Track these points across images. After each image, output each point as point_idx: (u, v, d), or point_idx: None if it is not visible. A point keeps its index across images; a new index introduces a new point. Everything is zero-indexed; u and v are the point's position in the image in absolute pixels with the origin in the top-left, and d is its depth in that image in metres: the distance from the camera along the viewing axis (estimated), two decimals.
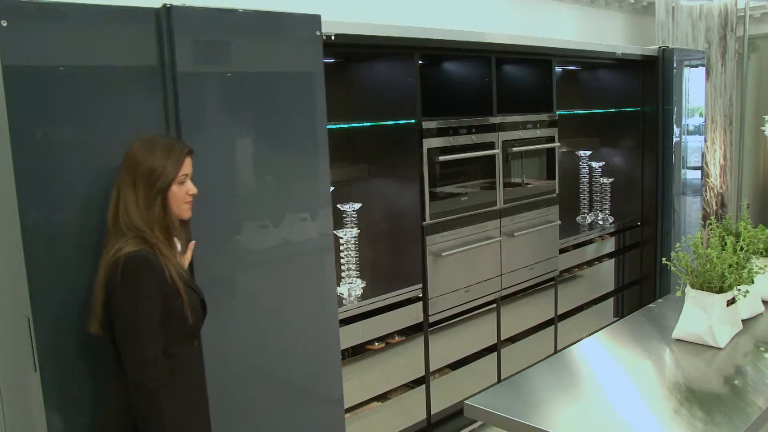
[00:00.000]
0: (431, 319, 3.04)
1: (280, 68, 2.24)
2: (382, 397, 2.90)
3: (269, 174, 2.24)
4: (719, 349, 2.11)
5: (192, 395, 1.80)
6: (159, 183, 1.69)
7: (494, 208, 3.34)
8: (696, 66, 4.68)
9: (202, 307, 1.83)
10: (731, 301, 2.15)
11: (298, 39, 2.27)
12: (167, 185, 1.71)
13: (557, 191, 3.73)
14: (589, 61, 4.27)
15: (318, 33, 2.29)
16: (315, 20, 2.29)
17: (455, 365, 3.24)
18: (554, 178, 3.72)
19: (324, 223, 2.39)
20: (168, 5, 1.93)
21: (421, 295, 2.98)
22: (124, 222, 1.66)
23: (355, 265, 2.86)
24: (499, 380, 3.44)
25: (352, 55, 3.01)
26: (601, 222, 4.35)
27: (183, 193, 1.75)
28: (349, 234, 2.81)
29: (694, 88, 4.63)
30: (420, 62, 2.93)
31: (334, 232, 2.70)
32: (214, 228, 2.10)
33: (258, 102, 2.17)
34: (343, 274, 2.84)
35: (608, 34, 5.18)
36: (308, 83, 2.30)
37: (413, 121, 2.92)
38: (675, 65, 4.28)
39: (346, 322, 2.65)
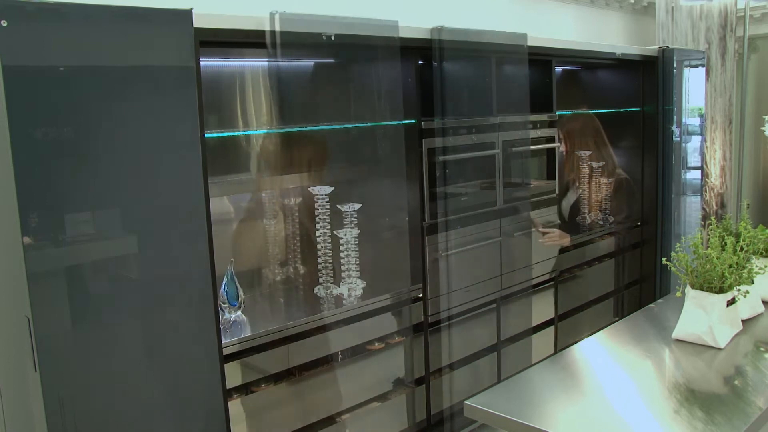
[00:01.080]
0: (431, 319, 3.04)
1: (377, 70, 2.57)
2: (382, 397, 2.90)
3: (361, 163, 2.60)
4: (719, 349, 2.11)
5: None
6: None
7: (494, 208, 3.34)
8: (696, 66, 4.67)
9: None
10: (731, 302, 2.15)
11: (382, 43, 2.50)
12: None
13: (557, 191, 3.73)
14: (589, 61, 4.27)
15: (396, 36, 2.54)
16: (393, 26, 2.51)
17: (455, 365, 3.24)
18: (554, 178, 3.72)
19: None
20: (274, 12, 2.13)
21: (421, 295, 2.98)
22: None
23: (355, 266, 2.86)
24: (499, 380, 3.43)
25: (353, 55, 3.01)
26: (601, 222, 4.35)
27: None
28: (349, 234, 2.81)
29: (694, 88, 4.62)
30: (420, 62, 2.92)
31: (335, 232, 2.70)
32: None
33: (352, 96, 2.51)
34: (343, 275, 2.84)
35: (608, 34, 5.18)
36: (396, 83, 2.59)
37: (413, 121, 2.92)
38: (675, 65, 4.27)
39: (346, 322, 2.65)
